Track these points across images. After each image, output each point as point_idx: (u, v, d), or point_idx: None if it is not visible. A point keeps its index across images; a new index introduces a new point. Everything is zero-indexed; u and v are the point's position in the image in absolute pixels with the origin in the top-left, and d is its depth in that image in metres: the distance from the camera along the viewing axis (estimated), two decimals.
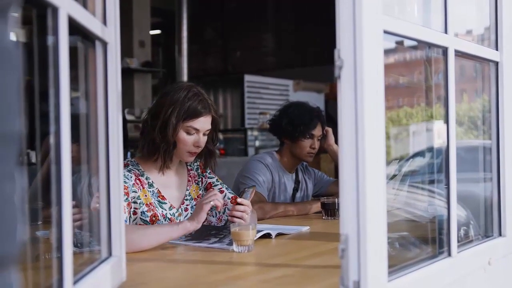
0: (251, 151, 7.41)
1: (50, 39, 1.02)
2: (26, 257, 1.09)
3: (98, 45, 1.33)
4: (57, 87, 1.01)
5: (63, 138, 1.01)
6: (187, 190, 2.33)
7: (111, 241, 1.38)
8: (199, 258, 1.79)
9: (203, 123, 2.20)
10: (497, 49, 1.81)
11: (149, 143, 2.19)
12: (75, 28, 1.11)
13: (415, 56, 1.86)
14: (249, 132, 7.54)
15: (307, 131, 2.98)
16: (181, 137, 2.18)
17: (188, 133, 2.18)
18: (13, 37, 0.56)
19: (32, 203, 1.71)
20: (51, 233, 1.46)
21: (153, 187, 2.21)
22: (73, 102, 1.10)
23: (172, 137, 2.16)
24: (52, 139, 1.01)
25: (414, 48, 1.75)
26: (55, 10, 0.99)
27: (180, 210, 2.27)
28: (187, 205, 2.31)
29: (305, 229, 2.34)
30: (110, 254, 1.37)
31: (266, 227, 2.21)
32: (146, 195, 2.17)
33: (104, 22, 1.35)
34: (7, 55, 0.54)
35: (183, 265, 1.75)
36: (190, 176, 2.37)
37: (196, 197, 2.35)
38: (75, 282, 1.09)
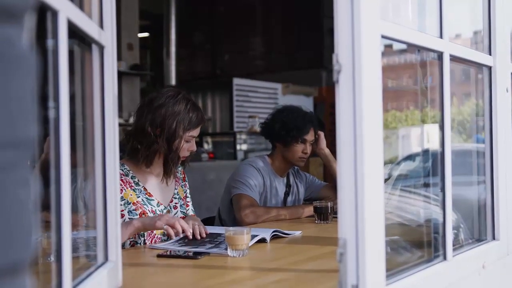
0: (240, 154, 7.39)
1: (49, 42, 1.01)
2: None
3: (95, 49, 1.32)
4: (56, 90, 1.00)
5: (62, 141, 1.00)
6: (175, 189, 2.43)
7: (107, 246, 1.37)
8: (195, 263, 1.78)
9: (199, 130, 2.35)
10: (490, 54, 1.83)
11: (153, 153, 2.25)
12: (72, 31, 1.10)
13: (404, 60, 1.87)
14: (238, 136, 7.52)
15: (300, 136, 2.98)
16: (182, 146, 2.28)
17: (187, 141, 2.30)
18: (28, 42, 0.56)
19: None
20: (44, 238, 1.45)
21: (140, 185, 2.28)
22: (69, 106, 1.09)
23: (178, 148, 2.26)
24: (51, 143, 1.00)
25: (402, 52, 1.76)
26: (54, 13, 0.98)
27: (169, 207, 2.36)
28: (175, 203, 2.40)
29: (297, 233, 2.34)
30: (106, 259, 1.36)
31: (260, 231, 2.21)
32: (131, 195, 2.23)
33: (101, 25, 1.34)
34: (23, 60, 0.53)
35: (179, 270, 1.74)
36: (177, 177, 2.47)
37: (182, 197, 2.44)
38: None
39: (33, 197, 0.56)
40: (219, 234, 2.17)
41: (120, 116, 6.91)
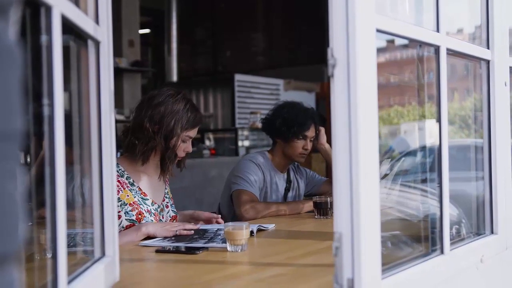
0: (241, 151, 7.40)
1: (43, 38, 1.01)
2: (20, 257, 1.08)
3: (91, 44, 1.33)
4: (50, 86, 1.00)
5: (56, 138, 1.00)
6: (166, 189, 2.47)
7: (104, 241, 1.37)
8: (193, 258, 1.79)
9: (196, 131, 2.37)
10: (488, 48, 1.82)
11: (150, 150, 2.28)
12: (67, 27, 1.10)
13: (406, 55, 1.86)
14: (239, 132, 7.52)
15: (301, 132, 2.97)
16: (179, 145, 2.31)
17: (183, 141, 2.32)
18: (14, 36, 0.56)
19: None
20: (42, 234, 1.46)
21: (135, 185, 2.30)
22: (64, 102, 1.09)
23: (175, 146, 2.29)
24: (45, 140, 1.00)
25: (405, 47, 1.75)
26: (48, 9, 0.99)
27: (162, 206, 2.39)
28: (167, 202, 2.45)
29: (271, 226, 2.37)
30: (103, 254, 1.37)
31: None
32: (128, 195, 2.26)
33: (97, 21, 1.34)
34: (9, 54, 0.54)
35: (177, 265, 1.74)
36: (166, 178, 2.50)
37: (171, 197, 2.50)
38: (69, 282, 1.08)
39: (20, 189, 0.56)
40: (206, 230, 2.19)
41: (121, 113, 6.92)
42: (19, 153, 0.57)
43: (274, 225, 2.41)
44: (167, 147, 2.27)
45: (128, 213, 2.22)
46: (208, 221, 2.43)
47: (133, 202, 2.25)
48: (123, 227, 2.19)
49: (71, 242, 1.40)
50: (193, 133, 2.34)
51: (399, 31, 1.38)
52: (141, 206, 2.26)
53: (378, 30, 1.25)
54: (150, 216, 2.27)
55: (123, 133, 2.33)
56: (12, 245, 0.54)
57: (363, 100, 1.17)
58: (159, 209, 2.36)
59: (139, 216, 2.23)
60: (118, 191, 2.20)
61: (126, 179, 2.29)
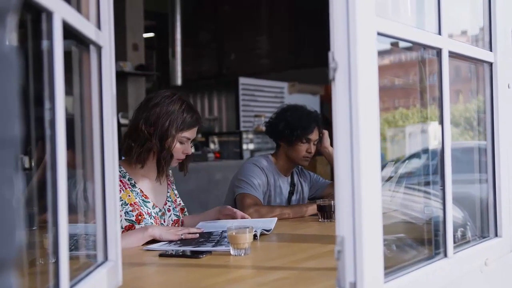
0: (246, 154, 7.40)
1: (44, 43, 1.02)
2: (22, 262, 1.08)
3: (93, 49, 1.33)
4: (52, 91, 1.00)
5: (58, 143, 1.00)
6: (168, 192, 2.47)
7: (107, 245, 1.37)
8: (196, 262, 1.78)
9: (194, 133, 2.36)
10: (491, 50, 1.82)
11: (146, 151, 2.28)
12: (69, 32, 1.11)
13: (411, 57, 1.86)
14: (244, 135, 7.52)
15: (304, 135, 2.97)
16: (175, 147, 2.30)
17: (181, 142, 2.32)
18: (11, 42, 0.56)
19: (27, 208, 1.72)
20: (46, 238, 1.46)
21: (136, 187, 2.31)
22: (67, 107, 1.09)
23: (171, 147, 2.28)
24: (47, 144, 1.01)
25: (409, 49, 1.75)
26: (49, 14, 0.99)
27: (163, 210, 2.39)
28: (169, 206, 2.44)
29: (273, 222, 2.39)
30: (106, 258, 1.37)
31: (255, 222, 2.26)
32: (129, 195, 2.27)
33: (98, 26, 1.35)
34: (6, 60, 0.54)
35: (180, 269, 1.74)
36: (169, 181, 2.51)
37: (174, 200, 2.49)
38: (71, 287, 1.08)
39: (18, 195, 0.57)
40: (211, 233, 2.19)
41: (125, 117, 6.92)
42: (17, 159, 0.57)
43: (276, 219, 2.43)
44: (162, 148, 2.27)
45: (128, 213, 2.22)
46: (233, 216, 2.46)
47: (134, 203, 2.25)
48: (122, 227, 2.19)
49: (73, 246, 1.41)
50: (190, 134, 2.32)
51: (400, 34, 1.38)
52: (141, 207, 2.27)
53: (379, 33, 1.25)
54: (150, 218, 2.27)
55: (123, 137, 2.33)
56: (10, 251, 0.54)
57: (364, 103, 1.17)
58: (160, 213, 2.36)
59: (139, 217, 2.24)
60: (120, 190, 2.21)
61: (128, 180, 2.29)
